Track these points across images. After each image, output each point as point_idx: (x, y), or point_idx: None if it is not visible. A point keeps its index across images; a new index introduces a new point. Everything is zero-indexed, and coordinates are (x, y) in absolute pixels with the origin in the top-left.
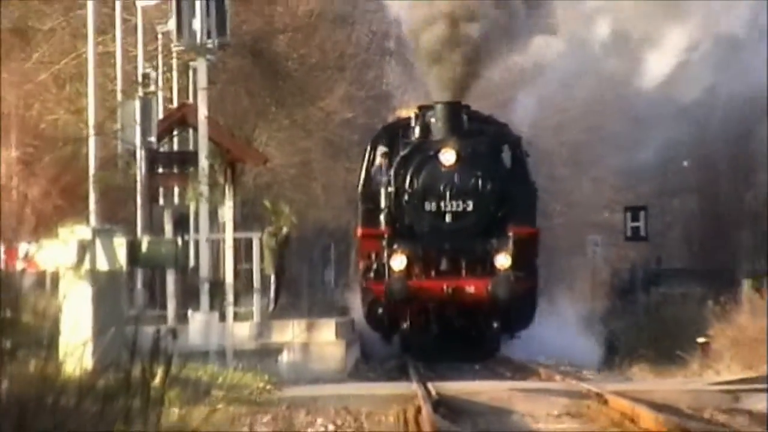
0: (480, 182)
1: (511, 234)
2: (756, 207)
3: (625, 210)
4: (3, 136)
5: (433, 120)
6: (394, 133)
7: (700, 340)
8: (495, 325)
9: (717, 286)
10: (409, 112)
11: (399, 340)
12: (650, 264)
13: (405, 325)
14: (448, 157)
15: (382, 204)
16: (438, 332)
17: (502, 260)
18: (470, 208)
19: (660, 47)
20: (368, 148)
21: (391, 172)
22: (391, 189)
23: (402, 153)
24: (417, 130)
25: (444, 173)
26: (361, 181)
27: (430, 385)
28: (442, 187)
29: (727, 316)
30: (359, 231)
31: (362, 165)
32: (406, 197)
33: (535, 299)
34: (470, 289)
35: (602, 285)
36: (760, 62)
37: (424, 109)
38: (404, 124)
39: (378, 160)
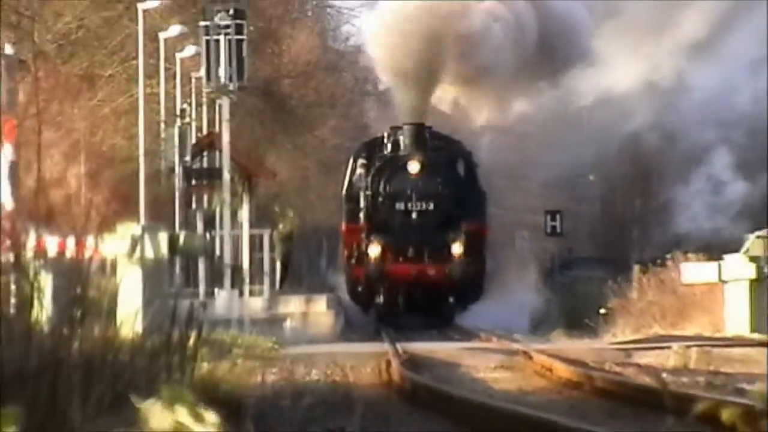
0: (439, 187)
1: (463, 228)
2: (643, 211)
3: (546, 213)
4: (75, 156)
5: (401, 138)
6: (371, 148)
7: (602, 311)
8: (450, 300)
9: (614, 271)
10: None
11: (375, 312)
12: (564, 253)
13: (380, 300)
14: (413, 167)
15: (362, 204)
16: (405, 306)
17: (456, 249)
18: (431, 207)
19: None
20: (350, 160)
21: (369, 179)
22: (368, 193)
23: (377, 164)
24: (389, 146)
25: (411, 180)
26: (345, 187)
27: (398, 345)
28: (409, 191)
29: (622, 293)
30: (343, 226)
31: (345, 174)
32: (380, 199)
33: (482, 280)
34: (431, 271)
35: (529, 270)
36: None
37: (394, 129)
38: (379, 141)
39: (358, 170)
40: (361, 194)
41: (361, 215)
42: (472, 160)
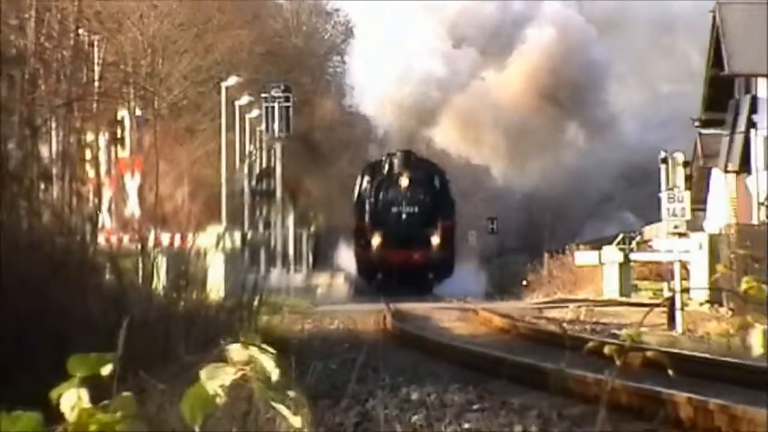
0: (422, 196)
1: (439, 225)
2: (551, 217)
3: (487, 218)
4: (180, 181)
5: (395, 160)
6: (373, 168)
7: (524, 282)
8: (430, 276)
9: (531, 257)
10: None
11: (376, 284)
12: (498, 246)
13: (379, 276)
14: (404, 182)
15: (367, 208)
16: (398, 280)
17: (434, 240)
18: (416, 211)
19: None
20: (359, 176)
21: (372, 190)
22: (371, 200)
23: (378, 179)
24: (386, 166)
25: (401, 191)
26: (355, 196)
27: (391, 305)
28: (400, 199)
29: (536, 271)
30: (354, 224)
31: (354, 186)
32: (380, 204)
33: (453, 262)
34: (416, 256)
35: (477, 257)
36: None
37: (389, 155)
38: (379, 163)
39: (365, 183)
40: (366, 201)
41: (367, 216)
42: (445, 176)
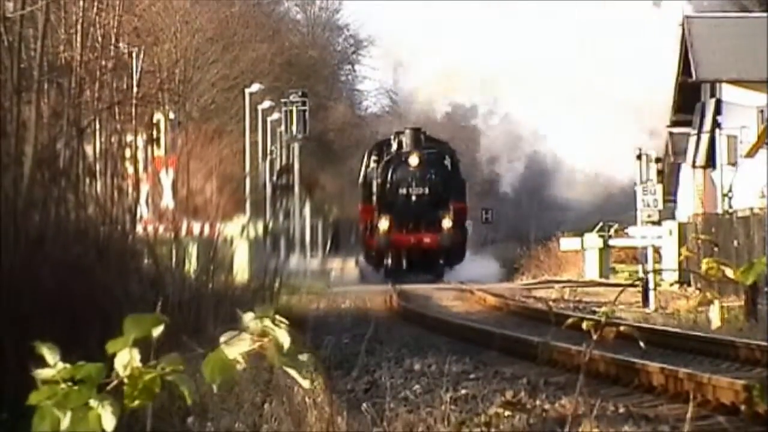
0: (432, 176)
1: (451, 207)
2: (539, 208)
3: (481, 209)
4: (209, 177)
5: (404, 139)
6: (381, 147)
7: (515, 266)
8: (441, 261)
9: (521, 243)
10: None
11: (384, 270)
12: (491, 233)
13: (387, 262)
14: (413, 161)
15: (374, 190)
16: (407, 266)
17: (446, 223)
18: (426, 191)
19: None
20: (365, 156)
21: (379, 170)
22: (379, 181)
23: (385, 159)
24: (394, 145)
25: (411, 171)
26: (361, 177)
27: (396, 286)
28: (409, 179)
29: (526, 255)
30: (360, 206)
31: (361, 166)
32: (387, 186)
33: (465, 246)
34: (427, 240)
35: (473, 243)
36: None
37: (398, 133)
38: (387, 142)
39: (371, 164)
40: (373, 182)
41: (374, 198)
42: (456, 156)
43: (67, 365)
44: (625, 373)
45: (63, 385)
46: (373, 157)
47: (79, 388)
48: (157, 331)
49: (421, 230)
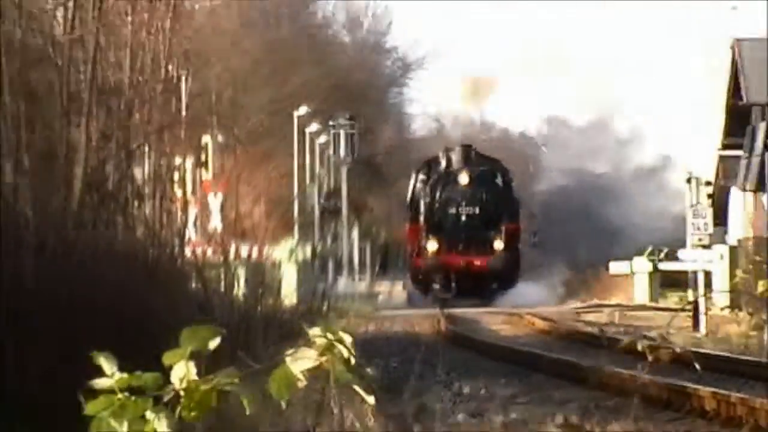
0: (483, 195)
1: (503, 228)
2: (585, 233)
3: (530, 232)
4: (258, 200)
5: (453, 156)
6: (429, 165)
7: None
8: (493, 285)
9: (569, 267)
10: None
11: (431, 294)
12: (539, 257)
13: (435, 286)
14: (463, 179)
15: (422, 209)
16: (457, 290)
17: (498, 244)
18: (477, 211)
19: None
20: (413, 174)
21: (428, 189)
22: (427, 199)
23: (434, 177)
24: (443, 163)
25: (460, 190)
26: (409, 195)
27: (444, 310)
28: (459, 198)
29: (576, 278)
30: (407, 226)
31: (409, 185)
32: (437, 205)
33: (518, 269)
34: (477, 262)
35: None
36: None
37: (447, 150)
38: (436, 159)
39: (419, 183)
40: (421, 201)
41: (421, 217)
42: (509, 174)
43: (125, 374)
44: (677, 398)
45: (120, 396)
46: (421, 176)
47: (135, 400)
48: (213, 343)
49: (472, 252)
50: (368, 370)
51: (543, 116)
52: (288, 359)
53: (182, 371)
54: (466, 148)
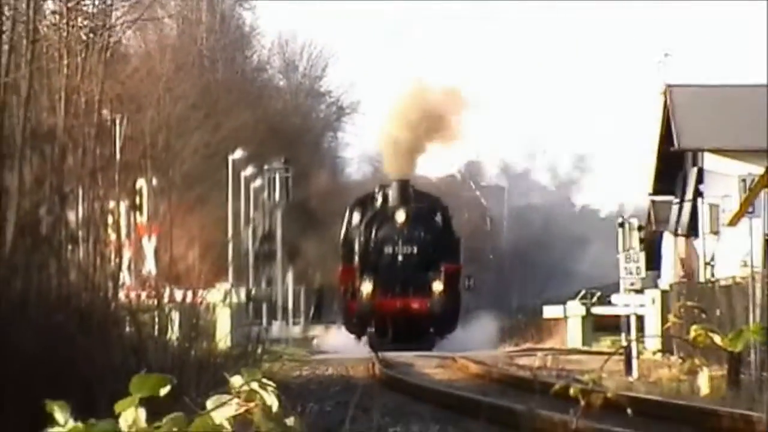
0: (421, 234)
1: (442, 269)
2: (520, 277)
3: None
4: (191, 244)
5: (389, 192)
6: (364, 202)
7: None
8: (431, 330)
9: (503, 312)
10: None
11: (366, 339)
12: (473, 301)
13: (371, 330)
14: (399, 217)
15: (356, 249)
16: (393, 335)
17: (437, 286)
18: (415, 251)
19: None
20: (347, 212)
21: (362, 227)
22: (362, 239)
23: (369, 215)
24: (379, 199)
25: (397, 228)
26: (342, 234)
27: (379, 354)
28: (395, 237)
29: (507, 323)
30: (340, 267)
31: (342, 223)
32: (372, 244)
33: (458, 313)
34: (415, 305)
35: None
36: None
37: (383, 186)
38: (371, 196)
39: (353, 221)
40: (356, 240)
41: (356, 258)
42: (448, 212)
43: (79, 423)
44: None
45: None
46: (356, 214)
47: None
48: (163, 390)
49: (409, 294)
50: (291, 419)
51: (477, 160)
52: (209, 405)
53: (131, 417)
54: (403, 184)
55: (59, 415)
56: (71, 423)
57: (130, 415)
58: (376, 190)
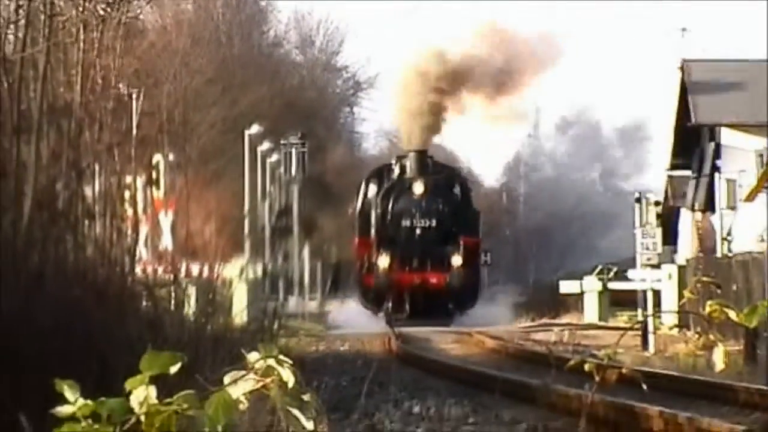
0: (440, 206)
1: (461, 242)
2: (536, 252)
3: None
4: (208, 219)
5: (407, 163)
6: (380, 173)
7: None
8: (450, 306)
9: (520, 286)
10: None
11: (384, 315)
12: (491, 276)
13: (388, 305)
14: (417, 189)
15: (372, 221)
16: (410, 310)
17: (456, 260)
18: (433, 224)
19: None
20: (362, 183)
21: (379, 199)
22: (378, 211)
23: (386, 186)
24: (396, 171)
25: (415, 200)
26: (358, 206)
27: (395, 329)
28: (413, 210)
29: (524, 297)
30: (356, 240)
31: (357, 194)
32: (389, 217)
33: (478, 288)
34: (433, 280)
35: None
36: None
37: (400, 157)
38: (388, 167)
39: (369, 193)
40: (372, 212)
41: (372, 231)
42: (467, 184)
43: (89, 401)
44: (625, 417)
45: (84, 423)
46: (372, 185)
47: (98, 427)
48: (174, 368)
49: (427, 269)
50: (307, 395)
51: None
52: (226, 381)
53: (142, 395)
54: (421, 155)
55: (69, 394)
56: (81, 401)
57: (141, 392)
58: (393, 161)
